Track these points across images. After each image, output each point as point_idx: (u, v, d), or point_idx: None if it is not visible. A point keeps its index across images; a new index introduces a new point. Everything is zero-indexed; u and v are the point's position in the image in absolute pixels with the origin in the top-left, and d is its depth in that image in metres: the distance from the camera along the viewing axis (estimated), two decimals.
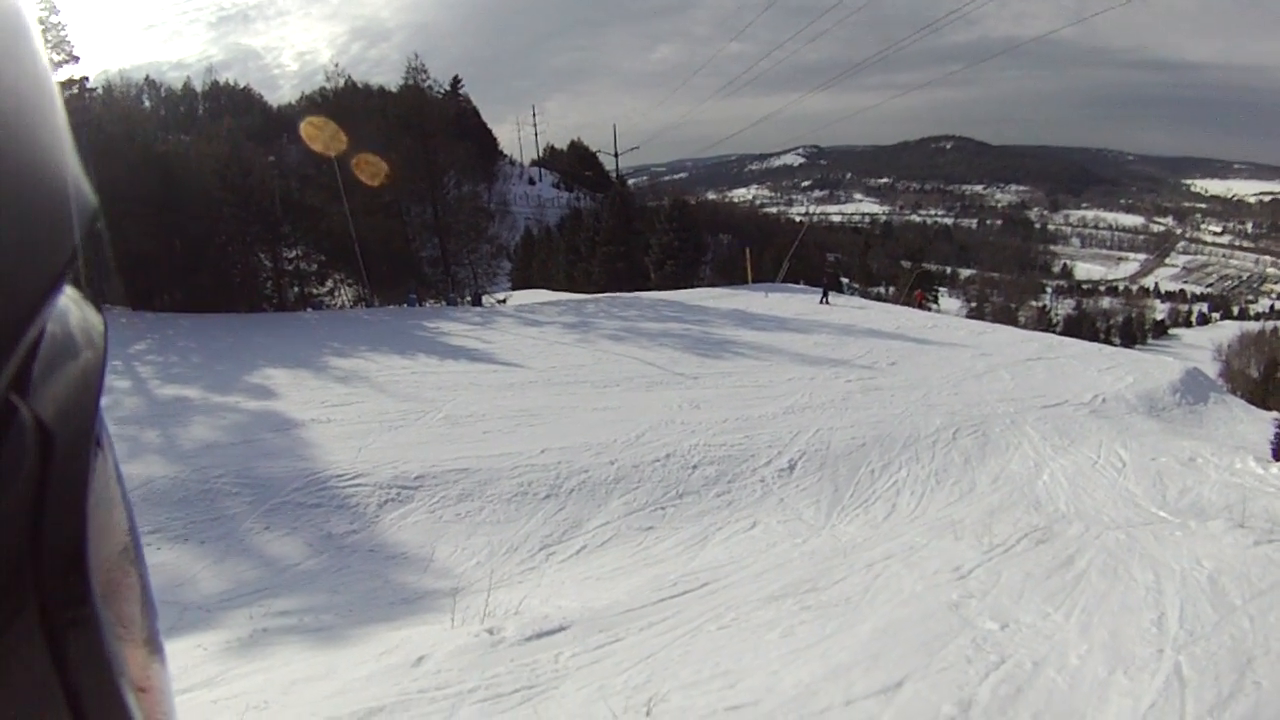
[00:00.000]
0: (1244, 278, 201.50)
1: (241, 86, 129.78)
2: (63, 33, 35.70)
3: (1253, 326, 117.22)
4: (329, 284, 41.56)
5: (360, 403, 18.49)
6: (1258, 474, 15.61)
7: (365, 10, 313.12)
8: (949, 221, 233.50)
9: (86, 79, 37.97)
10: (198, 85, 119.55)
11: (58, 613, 0.59)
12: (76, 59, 36.33)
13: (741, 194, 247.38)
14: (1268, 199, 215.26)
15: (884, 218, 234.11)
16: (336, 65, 54.04)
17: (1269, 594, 7.96)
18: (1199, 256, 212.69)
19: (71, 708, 0.61)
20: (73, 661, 0.61)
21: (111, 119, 35.92)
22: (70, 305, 0.65)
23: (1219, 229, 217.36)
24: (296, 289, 39.80)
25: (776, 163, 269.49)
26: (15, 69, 0.57)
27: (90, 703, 0.63)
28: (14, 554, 0.55)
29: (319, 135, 37.84)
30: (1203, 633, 7.14)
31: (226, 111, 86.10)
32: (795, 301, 36.94)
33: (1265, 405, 31.75)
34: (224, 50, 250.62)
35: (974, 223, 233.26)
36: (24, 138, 0.57)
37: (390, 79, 47.49)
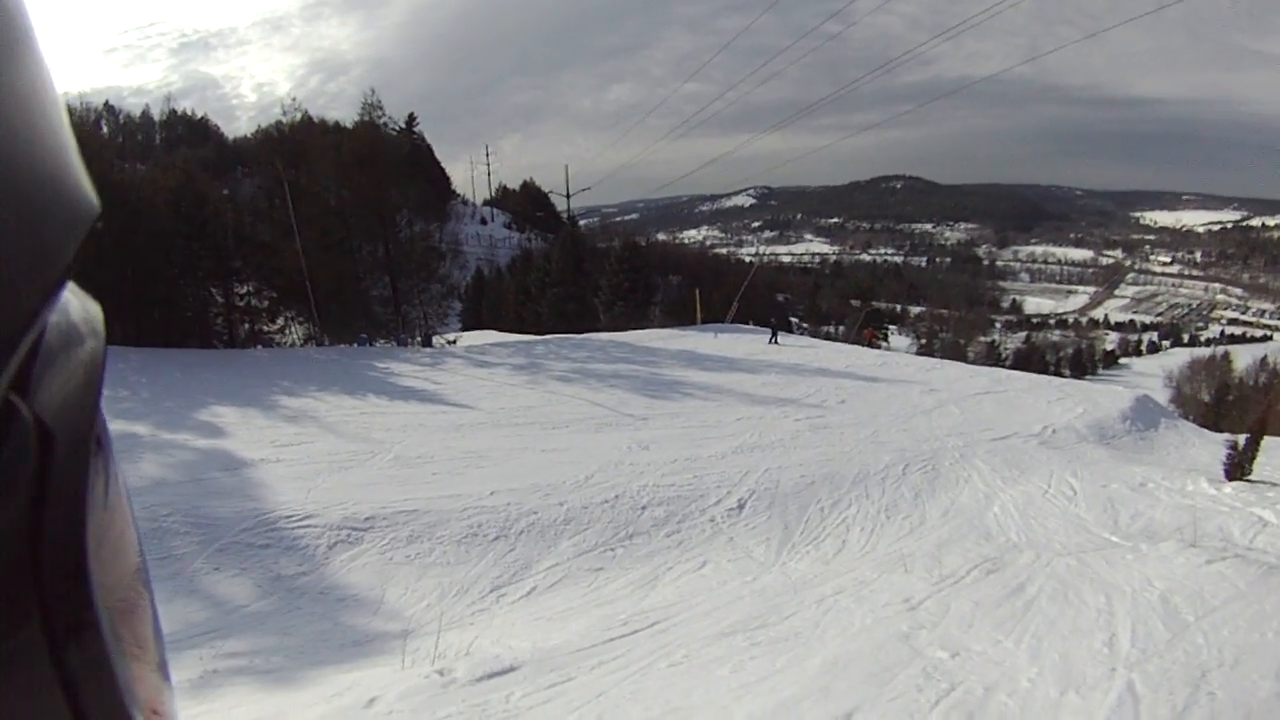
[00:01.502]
0: (1193, 305, 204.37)
1: (199, 116, 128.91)
2: None
3: (1203, 352, 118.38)
4: (280, 321, 41.10)
5: (310, 443, 18.34)
6: (1210, 494, 15.84)
7: (325, 43, 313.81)
8: (899, 260, 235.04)
9: None
10: (156, 113, 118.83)
11: (60, 618, 0.60)
12: None
13: (692, 235, 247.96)
14: (1216, 228, 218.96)
15: (834, 257, 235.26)
16: (294, 100, 54.04)
17: (1222, 610, 8.09)
18: (1148, 287, 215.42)
19: (72, 710, 0.62)
20: (75, 669, 0.61)
21: None
22: (71, 299, 0.67)
23: (1168, 259, 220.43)
24: (247, 326, 39.32)
25: (728, 203, 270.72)
26: (16, 69, 0.59)
27: (92, 711, 0.64)
28: (16, 557, 0.56)
29: None
30: (1155, 650, 7.23)
31: (183, 141, 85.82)
32: (744, 342, 37.03)
33: (1217, 428, 32.04)
34: (184, 78, 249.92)
35: (923, 261, 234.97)
36: (26, 138, 0.58)
37: (347, 114, 47.52)
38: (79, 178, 0.64)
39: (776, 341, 37.37)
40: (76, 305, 0.68)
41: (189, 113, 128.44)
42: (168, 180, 36.06)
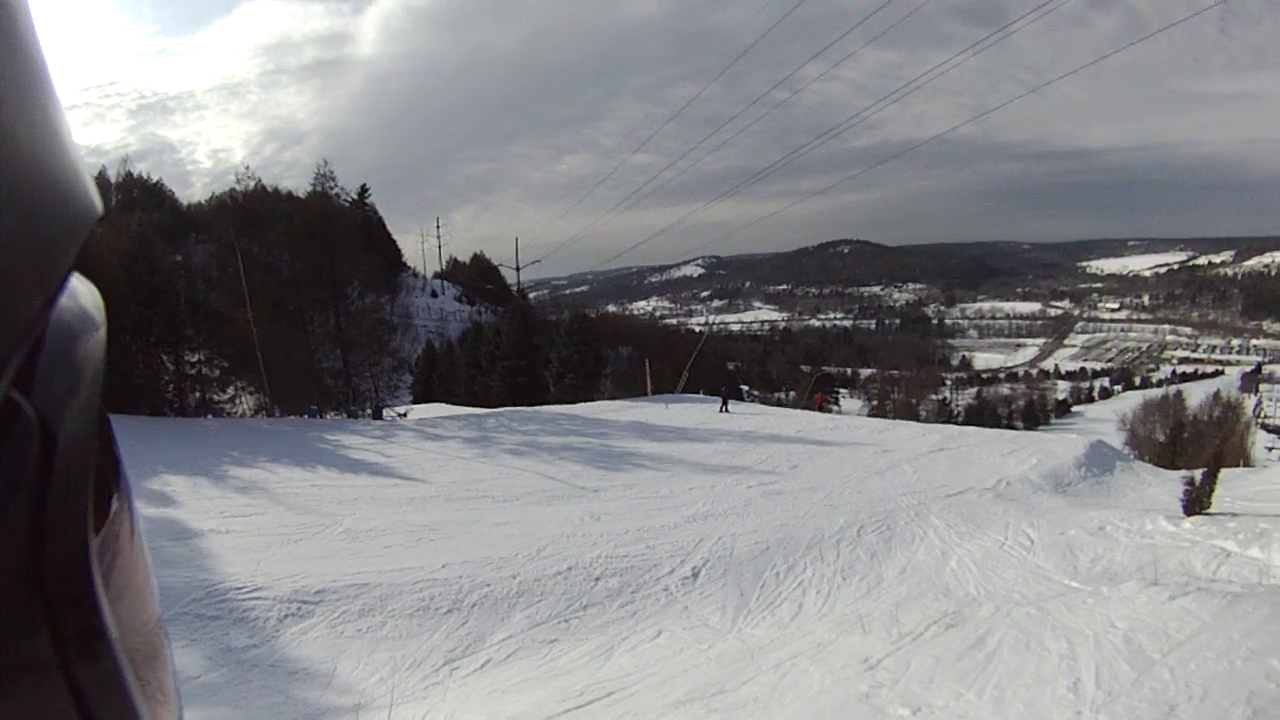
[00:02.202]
0: (1143, 348, 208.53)
1: (154, 180, 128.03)
2: None
3: (1155, 393, 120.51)
4: (230, 391, 40.86)
5: (260, 514, 18.14)
6: (1169, 531, 16.02)
7: (282, 111, 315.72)
8: (848, 323, 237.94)
9: None
10: (112, 174, 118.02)
11: (65, 618, 0.59)
12: None
13: (642, 306, 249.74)
14: (1163, 270, 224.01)
15: (783, 324, 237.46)
16: (247, 168, 53.87)
17: (1188, 644, 8.16)
18: (1097, 334, 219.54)
19: (79, 709, 0.61)
20: (82, 674, 0.61)
21: None
22: (76, 286, 0.68)
23: (1116, 305, 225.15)
24: (198, 394, 39.01)
25: (677, 274, 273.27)
26: (18, 70, 0.59)
27: (97, 704, 0.63)
28: (18, 559, 0.55)
29: None
30: (1121, 690, 7.29)
31: (138, 204, 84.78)
32: (695, 411, 37.32)
33: (1174, 466, 32.66)
34: (141, 140, 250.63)
35: (873, 323, 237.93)
36: (28, 139, 0.58)
37: (301, 183, 47.42)
38: (81, 179, 0.65)
39: (727, 410, 37.59)
40: (83, 293, 0.70)
41: (145, 176, 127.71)
42: (121, 244, 35.77)
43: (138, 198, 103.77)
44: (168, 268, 38.15)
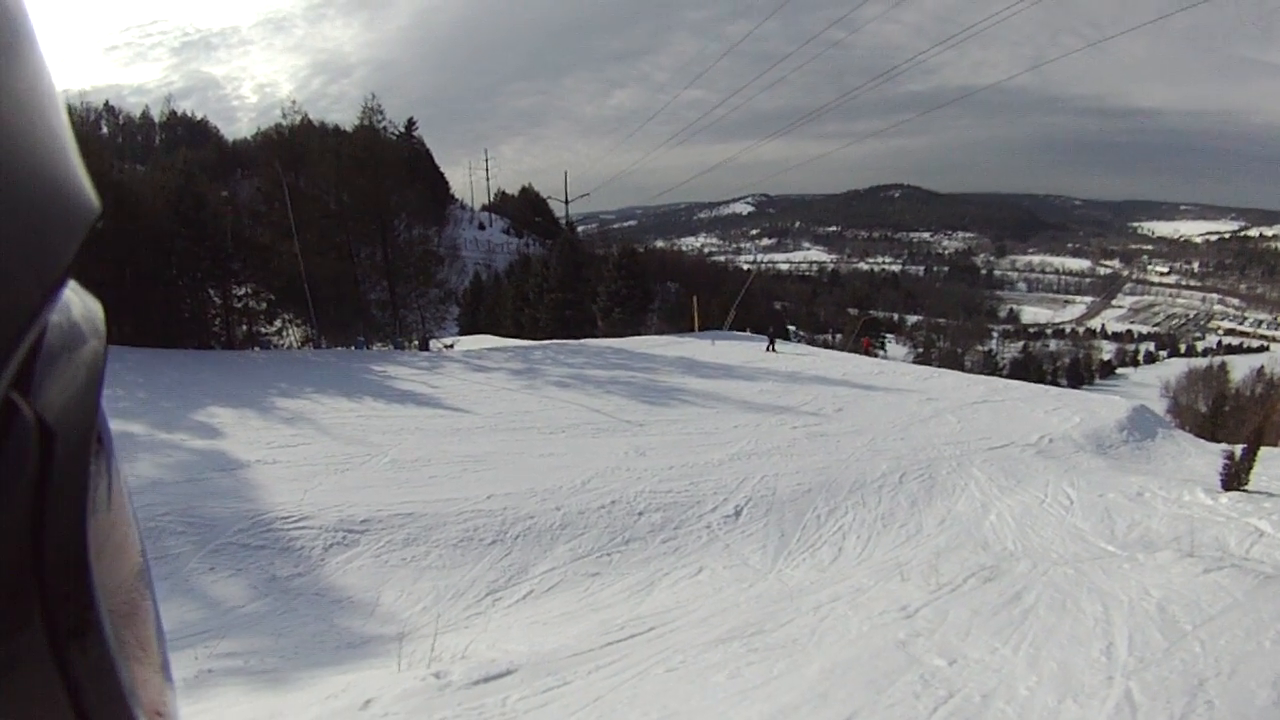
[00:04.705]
0: (1191, 316, 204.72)
1: (199, 118, 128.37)
2: None
3: (1200, 363, 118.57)
4: (277, 323, 41.19)
5: (306, 444, 18.29)
6: (1207, 505, 15.85)
7: (329, 44, 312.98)
8: (896, 269, 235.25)
9: None
10: (155, 113, 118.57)
11: (62, 618, 0.59)
12: None
13: (690, 242, 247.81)
14: (1214, 238, 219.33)
15: (832, 266, 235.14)
16: (294, 102, 54.11)
17: (1219, 619, 8.07)
18: (1146, 297, 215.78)
19: (76, 713, 0.62)
20: (77, 668, 0.61)
21: None
22: (72, 297, 0.67)
23: (1165, 269, 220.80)
24: (245, 327, 39.45)
25: (726, 211, 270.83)
26: (16, 69, 0.58)
27: (95, 709, 0.63)
28: (17, 558, 0.55)
29: None
30: (1153, 659, 7.22)
31: (183, 142, 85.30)
32: (742, 349, 37.04)
33: (1214, 438, 32.09)
34: (185, 77, 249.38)
35: (921, 270, 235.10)
36: (26, 138, 0.57)
37: (348, 117, 47.29)
38: (79, 178, 0.64)
39: (774, 349, 37.37)
40: (77, 303, 0.68)
41: (189, 114, 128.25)
42: (167, 181, 35.96)
43: (182, 135, 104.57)
44: (214, 203, 38.45)
